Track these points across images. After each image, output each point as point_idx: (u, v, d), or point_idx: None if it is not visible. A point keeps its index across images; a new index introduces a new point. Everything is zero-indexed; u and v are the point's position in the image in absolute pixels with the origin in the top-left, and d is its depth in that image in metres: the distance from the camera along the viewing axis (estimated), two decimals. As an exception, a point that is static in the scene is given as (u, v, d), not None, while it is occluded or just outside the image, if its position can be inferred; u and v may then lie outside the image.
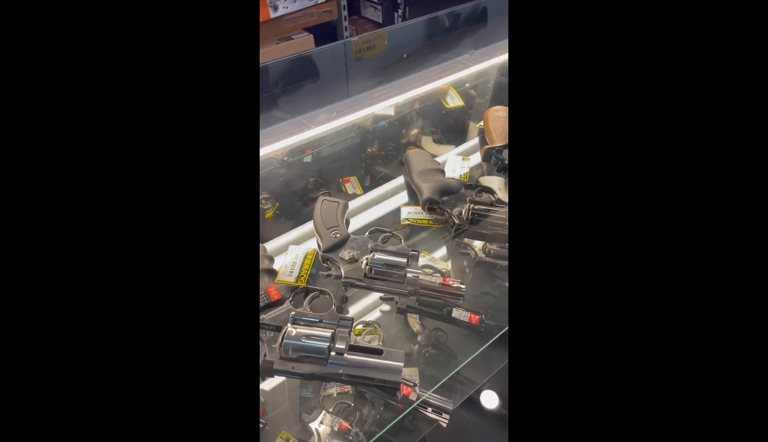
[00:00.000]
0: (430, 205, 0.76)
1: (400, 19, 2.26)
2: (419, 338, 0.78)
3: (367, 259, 0.66)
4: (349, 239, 0.71)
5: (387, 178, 1.16)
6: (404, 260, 0.66)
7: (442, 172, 0.83)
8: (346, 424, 0.58)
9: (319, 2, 2.09)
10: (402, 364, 0.54)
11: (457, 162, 0.89)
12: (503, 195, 0.78)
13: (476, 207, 0.73)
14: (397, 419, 0.56)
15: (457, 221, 0.72)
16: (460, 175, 0.86)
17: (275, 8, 1.97)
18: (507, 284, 0.79)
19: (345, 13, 2.14)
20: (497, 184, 0.92)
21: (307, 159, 1.22)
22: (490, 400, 1.00)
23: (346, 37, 2.22)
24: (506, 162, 0.83)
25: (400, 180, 0.95)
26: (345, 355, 0.54)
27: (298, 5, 2.04)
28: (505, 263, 0.84)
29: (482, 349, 0.67)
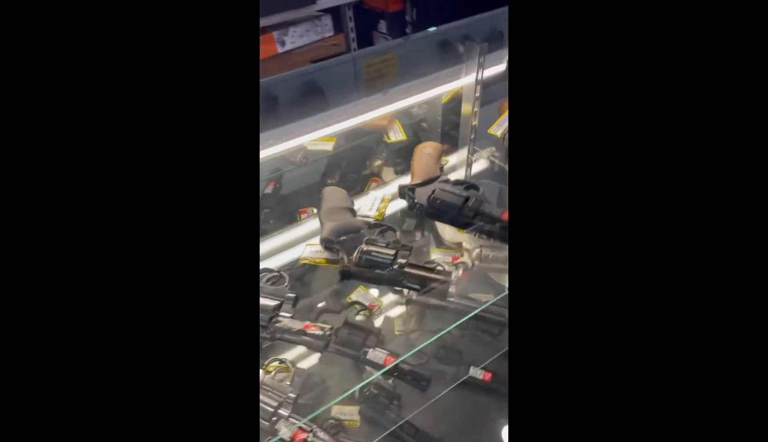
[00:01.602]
0: (326, 245, 0.75)
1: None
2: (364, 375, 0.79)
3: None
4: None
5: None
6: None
7: (352, 211, 0.81)
8: None
9: (326, 36, 2.16)
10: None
11: (372, 200, 0.87)
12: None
13: (367, 248, 0.71)
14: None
15: (345, 263, 0.71)
16: (374, 214, 0.84)
17: (282, 43, 2.05)
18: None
19: (354, 45, 2.19)
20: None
21: (267, 191, 1.25)
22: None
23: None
24: (416, 201, 0.80)
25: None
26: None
27: (305, 40, 2.11)
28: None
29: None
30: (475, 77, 0.89)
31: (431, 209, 0.79)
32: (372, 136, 1.08)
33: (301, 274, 0.86)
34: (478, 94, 0.91)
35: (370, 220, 0.82)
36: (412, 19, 2.23)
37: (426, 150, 0.91)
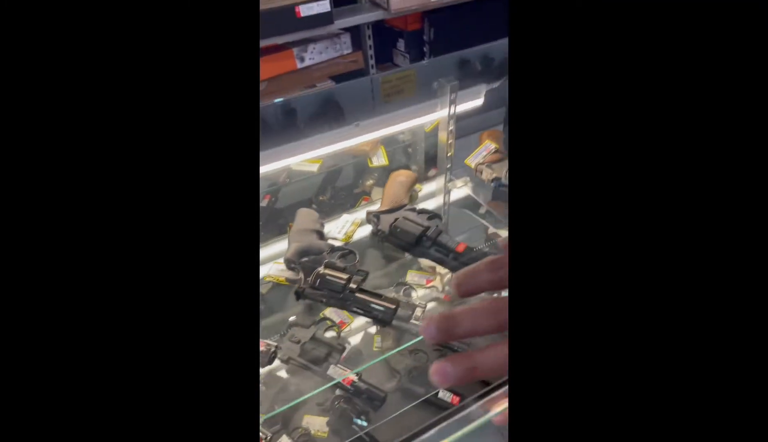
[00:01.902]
0: (288, 265, 0.81)
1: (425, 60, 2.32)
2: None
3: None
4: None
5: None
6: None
7: (320, 233, 0.87)
8: None
9: (345, 53, 2.24)
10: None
11: (343, 223, 0.92)
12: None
13: (323, 271, 0.77)
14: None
15: (301, 284, 0.76)
16: (342, 237, 0.89)
17: (302, 59, 2.15)
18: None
19: (372, 61, 2.26)
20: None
21: (263, 204, 1.33)
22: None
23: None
24: (380, 227, 0.85)
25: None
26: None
27: (324, 56, 2.20)
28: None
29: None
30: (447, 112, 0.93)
31: (391, 236, 0.84)
32: (358, 159, 1.14)
33: (272, 288, 0.93)
34: (451, 128, 0.95)
35: (336, 243, 0.87)
36: (429, 39, 2.28)
37: (399, 178, 0.96)
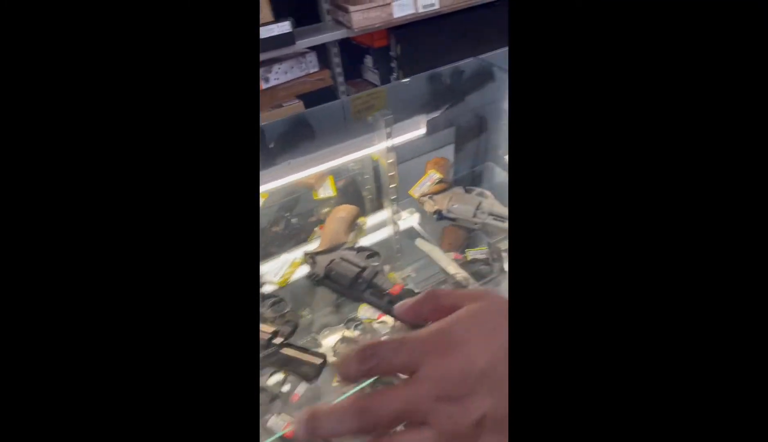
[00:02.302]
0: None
1: (394, 79, 2.29)
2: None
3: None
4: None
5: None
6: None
7: (252, 278, 0.83)
8: None
9: (311, 71, 2.21)
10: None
11: (281, 265, 0.88)
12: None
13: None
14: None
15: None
16: (278, 280, 0.85)
17: (266, 80, 2.12)
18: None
19: (341, 79, 2.23)
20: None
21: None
22: None
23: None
24: (315, 269, 0.80)
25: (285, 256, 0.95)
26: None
27: (290, 75, 2.17)
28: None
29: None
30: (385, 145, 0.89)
31: (326, 279, 0.80)
32: (304, 192, 1.10)
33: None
34: (391, 160, 0.92)
35: (270, 288, 0.83)
36: (396, 54, 2.25)
37: (339, 214, 0.92)
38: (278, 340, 0.70)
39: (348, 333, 0.94)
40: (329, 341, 0.93)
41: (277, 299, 0.79)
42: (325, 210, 1.34)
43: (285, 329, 0.72)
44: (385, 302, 0.76)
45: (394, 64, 2.29)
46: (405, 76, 2.29)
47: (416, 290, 1.06)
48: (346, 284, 0.78)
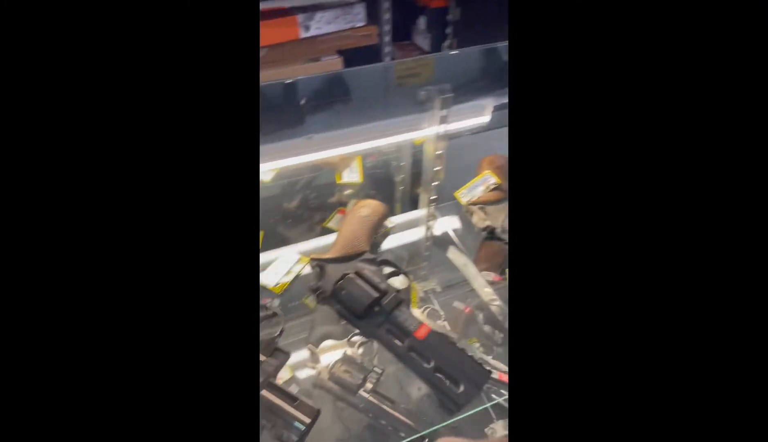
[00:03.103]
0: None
1: (447, 51, 2.03)
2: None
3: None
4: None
5: (286, 242, 0.99)
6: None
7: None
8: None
9: (357, 25, 1.96)
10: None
11: (286, 266, 0.69)
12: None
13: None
14: None
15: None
16: (278, 284, 0.67)
17: (307, 28, 1.88)
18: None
19: (388, 38, 1.97)
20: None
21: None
22: None
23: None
24: (321, 284, 0.61)
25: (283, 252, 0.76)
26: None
27: (333, 27, 1.92)
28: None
29: None
30: (436, 131, 0.68)
31: (333, 300, 0.61)
32: (324, 172, 0.90)
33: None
34: (439, 151, 0.70)
35: (263, 294, 0.65)
36: (454, 18, 1.97)
37: (361, 211, 0.71)
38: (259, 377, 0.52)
39: (351, 351, 0.76)
40: (327, 358, 0.75)
41: (268, 312, 0.60)
42: (348, 192, 1.14)
43: (269, 363, 0.54)
44: (404, 348, 0.57)
45: (449, 30, 2.02)
46: (459, 46, 2.02)
47: (439, 310, 0.87)
48: (358, 311, 0.59)
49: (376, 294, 0.60)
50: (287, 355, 0.57)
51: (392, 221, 0.76)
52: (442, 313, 0.84)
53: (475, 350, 0.89)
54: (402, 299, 0.61)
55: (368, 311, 0.59)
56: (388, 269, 0.67)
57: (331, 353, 0.74)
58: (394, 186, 1.00)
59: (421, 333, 0.57)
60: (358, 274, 0.63)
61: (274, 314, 0.61)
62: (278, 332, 0.58)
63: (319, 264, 0.64)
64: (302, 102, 0.76)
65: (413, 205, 0.97)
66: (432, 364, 0.55)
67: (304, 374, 0.75)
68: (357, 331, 0.63)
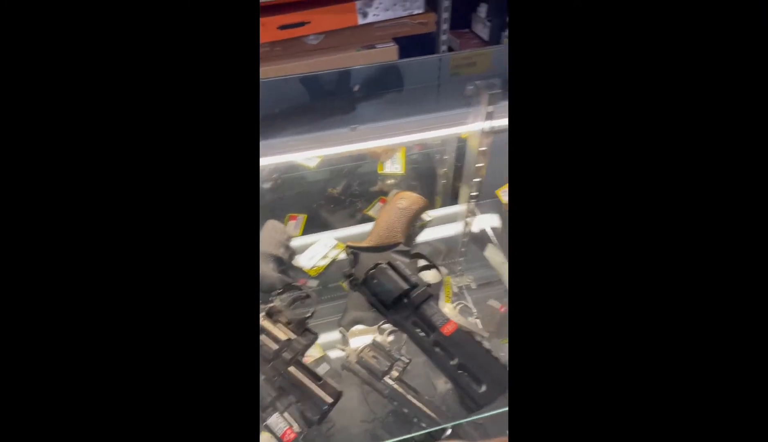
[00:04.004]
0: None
1: (506, 40, 1.95)
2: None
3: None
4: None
5: (327, 227, 1.01)
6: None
7: (279, 260, 0.67)
8: None
9: (414, 12, 1.92)
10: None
11: (323, 249, 0.70)
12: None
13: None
14: None
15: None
16: (314, 267, 0.68)
17: (365, 15, 1.87)
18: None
19: (446, 26, 1.93)
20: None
21: (267, 185, 1.15)
22: None
23: (443, 52, 2.02)
24: (354, 270, 0.62)
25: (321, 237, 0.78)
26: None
27: (390, 13, 1.90)
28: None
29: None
30: (481, 127, 0.66)
31: (365, 287, 0.62)
32: (367, 162, 0.90)
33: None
34: (483, 148, 0.68)
35: (298, 275, 0.67)
36: (516, 7, 1.89)
37: (399, 203, 0.71)
38: (287, 354, 0.54)
39: (380, 338, 0.77)
40: (356, 342, 0.77)
41: (301, 293, 0.62)
42: (390, 181, 1.14)
43: (299, 342, 0.56)
44: (429, 342, 0.57)
45: (509, 19, 1.94)
46: (520, 36, 1.94)
47: (472, 307, 0.86)
48: (387, 301, 0.60)
49: (406, 286, 0.60)
50: (315, 335, 0.59)
51: (430, 214, 0.75)
52: (474, 310, 0.83)
53: (506, 350, 0.88)
54: (431, 294, 0.60)
55: (397, 302, 0.60)
56: (421, 262, 0.67)
57: (362, 337, 0.76)
58: (436, 179, 0.99)
59: (447, 329, 0.57)
60: (390, 265, 0.63)
61: (307, 296, 0.63)
62: (310, 313, 0.60)
63: (354, 252, 0.66)
64: (355, 88, 0.77)
65: (454, 199, 0.96)
66: (456, 361, 0.55)
67: (334, 354, 0.78)
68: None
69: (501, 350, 0.86)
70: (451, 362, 0.56)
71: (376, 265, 0.63)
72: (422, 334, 0.58)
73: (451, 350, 0.56)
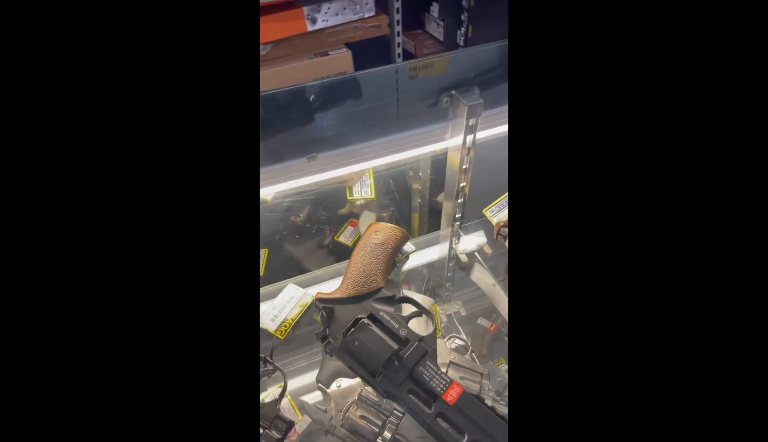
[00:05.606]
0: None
1: (462, 39, 1.88)
2: None
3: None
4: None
5: (292, 261, 0.88)
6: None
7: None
8: None
9: (365, 16, 1.82)
10: None
11: (286, 301, 0.58)
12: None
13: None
14: None
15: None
16: (279, 327, 0.56)
17: (314, 21, 1.74)
18: None
19: (398, 28, 1.83)
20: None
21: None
22: None
23: (398, 56, 1.92)
24: (329, 331, 0.50)
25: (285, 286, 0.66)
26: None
27: (341, 18, 1.78)
28: None
29: None
30: (462, 141, 0.55)
31: (343, 352, 0.50)
32: (332, 187, 0.78)
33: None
34: (466, 165, 0.58)
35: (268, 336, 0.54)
36: (469, 6, 1.82)
37: (374, 238, 0.59)
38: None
39: (367, 389, 0.65)
40: (340, 400, 0.65)
41: (268, 367, 0.49)
42: (358, 202, 1.02)
43: (270, 437, 0.43)
44: (431, 415, 0.46)
45: (464, 17, 1.86)
46: (473, 35, 1.87)
47: (467, 342, 0.75)
48: (373, 367, 0.48)
49: (395, 346, 0.49)
50: (291, 424, 0.46)
51: (411, 244, 0.64)
52: (468, 344, 0.72)
53: (503, 373, 0.78)
54: (426, 349, 0.49)
55: (386, 367, 0.48)
56: (409, 307, 0.55)
57: (345, 393, 0.63)
58: (411, 195, 0.88)
59: (451, 396, 0.46)
60: (373, 318, 0.51)
61: (275, 369, 0.50)
62: (279, 395, 0.47)
63: (326, 306, 0.53)
64: (311, 97, 0.65)
65: (433, 215, 0.85)
66: (466, 438, 0.44)
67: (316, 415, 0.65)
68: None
69: (497, 373, 0.76)
70: (460, 439, 0.45)
71: (356, 321, 0.51)
72: (421, 404, 0.46)
73: (458, 423, 0.45)
